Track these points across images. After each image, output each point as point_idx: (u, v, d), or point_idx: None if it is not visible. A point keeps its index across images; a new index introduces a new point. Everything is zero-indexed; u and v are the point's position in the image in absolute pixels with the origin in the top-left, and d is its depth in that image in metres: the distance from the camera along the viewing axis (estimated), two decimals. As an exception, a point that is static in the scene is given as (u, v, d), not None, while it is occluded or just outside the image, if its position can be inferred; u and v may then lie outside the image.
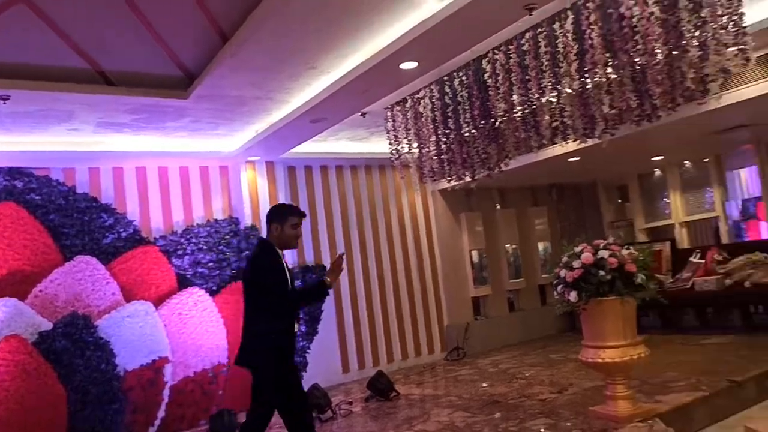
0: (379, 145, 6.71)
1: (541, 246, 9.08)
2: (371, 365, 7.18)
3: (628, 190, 9.47)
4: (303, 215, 3.64)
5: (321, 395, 5.41)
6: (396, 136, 5.48)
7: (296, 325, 3.60)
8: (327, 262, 7.10)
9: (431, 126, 5.08)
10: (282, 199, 6.78)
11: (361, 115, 5.45)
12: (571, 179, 9.40)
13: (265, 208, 6.58)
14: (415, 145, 5.42)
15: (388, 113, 5.49)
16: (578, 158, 6.91)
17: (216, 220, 6.39)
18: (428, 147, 5.32)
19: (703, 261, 7.34)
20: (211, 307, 6.11)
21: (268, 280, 3.46)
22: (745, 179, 8.59)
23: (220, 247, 6.30)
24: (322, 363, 6.72)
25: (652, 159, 8.29)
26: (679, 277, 7.54)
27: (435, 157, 5.36)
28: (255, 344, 3.50)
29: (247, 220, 6.49)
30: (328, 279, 3.61)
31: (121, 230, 5.76)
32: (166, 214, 6.13)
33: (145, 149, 5.64)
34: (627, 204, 9.64)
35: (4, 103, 4.22)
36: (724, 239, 8.16)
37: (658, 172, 9.00)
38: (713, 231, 8.64)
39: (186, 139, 5.65)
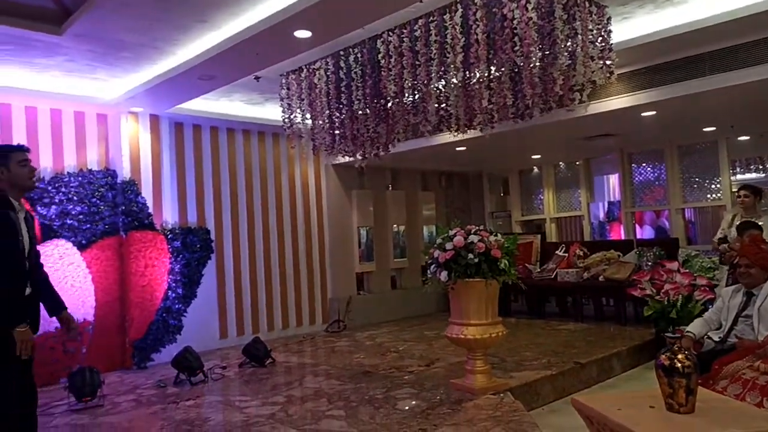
0: (274, 112, 6.60)
1: (426, 229, 9.45)
2: (250, 332, 7.15)
3: (509, 184, 10.10)
4: (28, 150, 3.17)
5: (193, 358, 5.35)
6: (289, 105, 5.42)
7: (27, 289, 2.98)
8: (211, 225, 6.95)
9: (325, 99, 5.09)
10: (166, 155, 6.51)
11: (255, 78, 5.34)
12: (459, 168, 9.84)
13: (146, 163, 6.33)
14: (308, 116, 5.41)
15: (283, 80, 5.42)
16: (464, 148, 7.25)
17: (90, 170, 6.02)
18: (321, 120, 5.33)
19: (566, 254, 8.01)
20: (79, 262, 5.81)
21: None
22: (613, 184, 9.47)
23: (93, 200, 5.95)
24: (199, 327, 6.60)
25: (532, 157, 8.90)
26: (545, 267, 8.17)
27: (327, 131, 5.40)
28: None
29: (125, 174, 6.16)
30: (69, 317, 3.22)
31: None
32: (33, 158, 5.64)
33: (11, 85, 5.16)
34: (508, 196, 10.29)
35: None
36: (587, 237, 8.96)
37: (536, 169, 9.70)
38: (579, 228, 9.47)
39: (59, 79, 5.23)
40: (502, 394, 4.24)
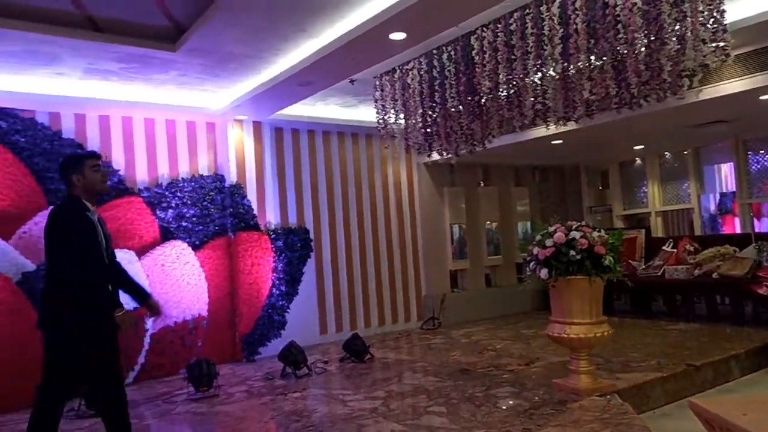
0: (367, 114, 6.77)
1: (520, 226, 9.25)
2: (348, 328, 7.36)
3: (609, 177, 9.64)
4: (100, 156, 3.37)
5: (298, 352, 5.60)
6: (384, 106, 5.53)
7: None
8: (310, 224, 7.22)
9: (418, 98, 5.15)
10: (268, 159, 6.86)
11: (350, 81, 5.48)
12: (555, 161, 9.53)
13: (250, 167, 6.70)
14: (401, 116, 5.48)
15: (377, 82, 5.53)
16: (561, 141, 7.03)
17: (201, 175, 6.46)
18: (414, 119, 5.39)
19: (675, 250, 7.54)
20: (194, 261, 6.25)
21: (72, 237, 3.10)
22: (725, 174, 8.79)
23: (205, 203, 6.39)
24: (301, 323, 6.89)
25: (634, 148, 8.45)
26: (651, 264, 7.74)
27: (420, 130, 5.45)
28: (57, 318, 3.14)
29: (231, 178, 6.56)
30: (153, 303, 3.43)
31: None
32: (152, 167, 6.18)
33: (133, 99, 5.65)
34: (607, 190, 9.83)
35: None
36: (697, 231, 8.38)
37: (638, 161, 9.19)
38: (688, 222, 8.86)
39: (173, 92, 5.66)
40: (609, 396, 4.09)
